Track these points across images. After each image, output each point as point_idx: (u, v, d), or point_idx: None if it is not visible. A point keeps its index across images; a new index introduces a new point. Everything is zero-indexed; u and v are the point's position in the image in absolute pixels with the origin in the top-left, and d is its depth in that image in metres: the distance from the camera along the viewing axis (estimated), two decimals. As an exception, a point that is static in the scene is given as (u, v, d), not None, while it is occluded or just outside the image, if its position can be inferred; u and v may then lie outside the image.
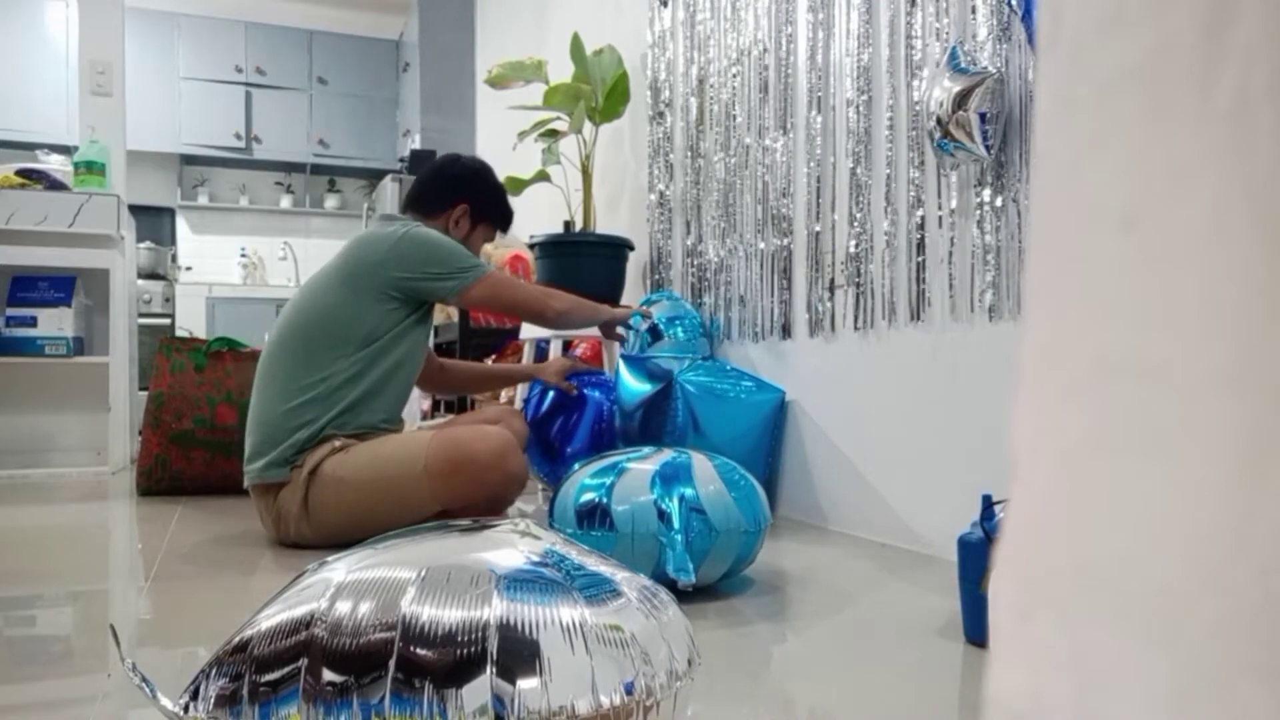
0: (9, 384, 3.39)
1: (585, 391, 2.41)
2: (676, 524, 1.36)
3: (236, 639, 0.69)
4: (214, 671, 0.68)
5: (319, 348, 1.88)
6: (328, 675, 0.63)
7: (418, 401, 3.57)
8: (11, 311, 3.34)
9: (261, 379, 1.93)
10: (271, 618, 0.69)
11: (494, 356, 3.39)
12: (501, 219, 2.16)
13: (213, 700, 0.66)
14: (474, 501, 1.84)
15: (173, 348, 2.86)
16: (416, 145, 5.67)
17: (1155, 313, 0.25)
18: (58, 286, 3.39)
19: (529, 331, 2.88)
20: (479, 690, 0.61)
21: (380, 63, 6.79)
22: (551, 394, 2.44)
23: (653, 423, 2.21)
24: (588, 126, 2.83)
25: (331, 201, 7.05)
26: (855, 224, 2.01)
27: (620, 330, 2.34)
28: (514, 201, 4.85)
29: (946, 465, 1.76)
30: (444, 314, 3.94)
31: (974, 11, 1.70)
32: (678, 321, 2.50)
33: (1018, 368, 0.30)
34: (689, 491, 1.40)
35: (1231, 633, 0.23)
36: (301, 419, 1.85)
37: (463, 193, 2.09)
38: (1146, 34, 0.25)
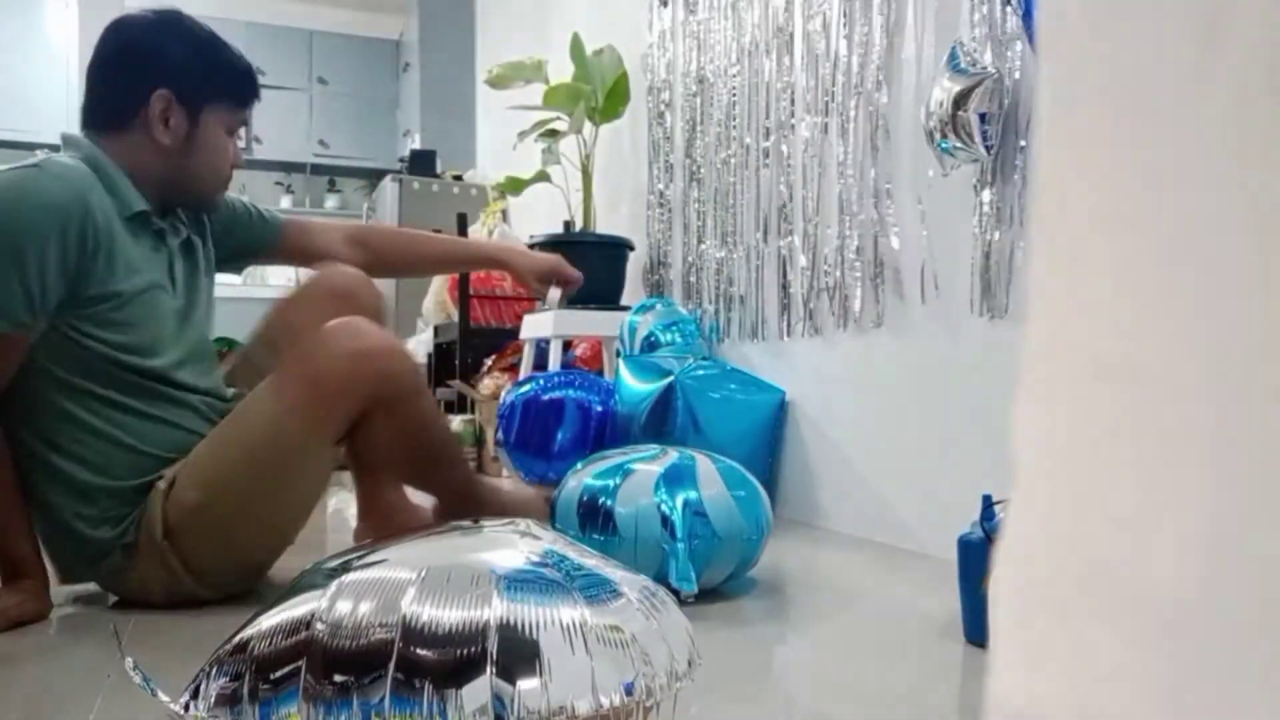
0: (9, 384, 3.38)
1: (565, 393, 2.41)
2: (679, 532, 1.36)
3: (236, 638, 0.70)
4: (214, 670, 0.68)
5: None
6: (327, 675, 0.63)
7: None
8: (11, 311, 3.34)
9: None
10: (271, 617, 0.69)
11: (494, 356, 3.39)
12: (236, 85, 1.41)
13: (213, 699, 0.66)
14: (360, 407, 1.34)
15: (173, 348, 2.86)
16: (416, 145, 5.67)
17: (1155, 314, 0.25)
18: (58, 286, 3.39)
19: (529, 331, 2.88)
20: (479, 690, 0.62)
21: (380, 63, 6.79)
22: (534, 391, 2.43)
23: (656, 422, 2.21)
24: (588, 126, 2.84)
25: (331, 202, 7.05)
26: (855, 223, 2.01)
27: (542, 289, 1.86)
28: (514, 202, 4.83)
29: (946, 465, 1.76)
30: (443, 313, 3.93)
31: (974, 11, 1.70)
32: (675, 327, 2.50)
33: (1018, 368, 0.30)
34: (693, 495, 1.40)
35: (1230, 631, 0.23)
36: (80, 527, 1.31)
37: (153, 70, 1.34)
38: (1146, 35, 0.25)
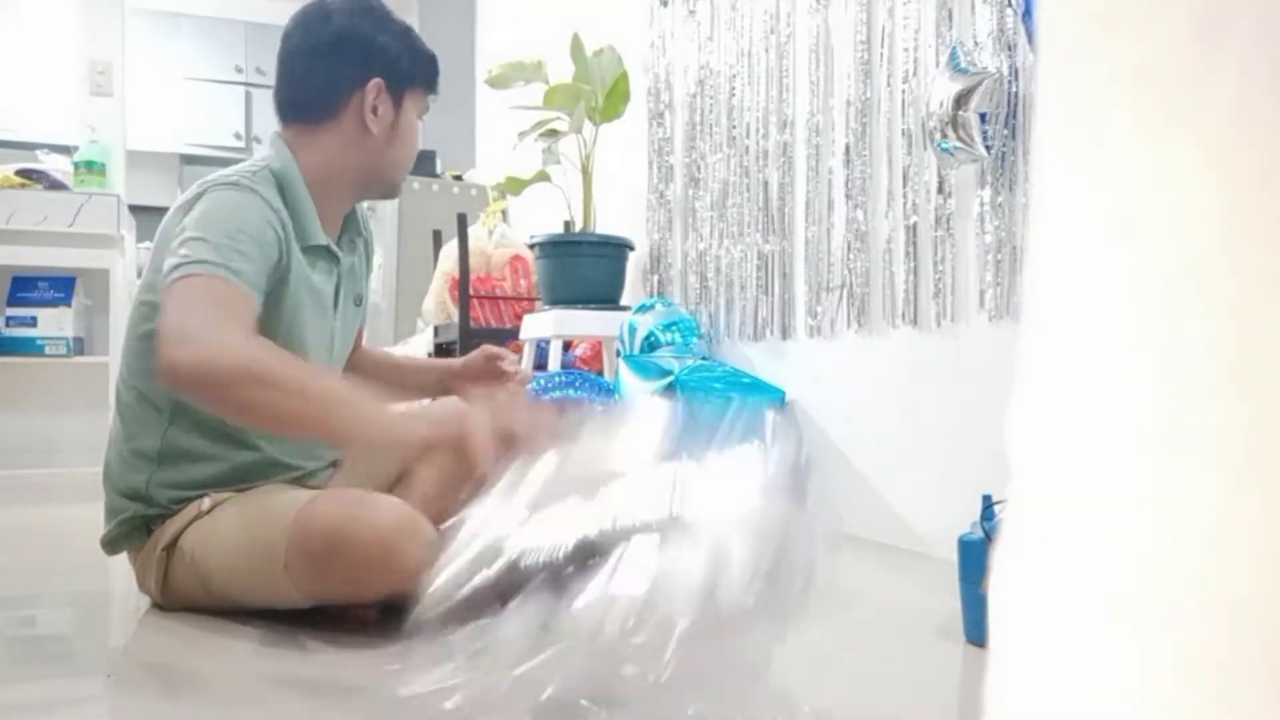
0: (9, 384, 3.39)
1: (565, 393, 2.41)
2: None
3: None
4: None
5: (129, 372, 1.33)
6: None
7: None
8: (11, 311, 3.34)
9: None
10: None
11: (494, 356, 3.38)
12: (432, 70, 1.42)
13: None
14: (352, 601, 1.24)
15: (173, 348, 2.85)
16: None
17: (1155, 313, 0.25)
18: (58, 286, 3.39)
19: (529, 331, 2.88)
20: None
21: (380, 63, 6.79)
22: (534, 392, 2.43)
23: (653, 423, 2.21)
24: (588, 126, 2.83)
25: (331, 201, 7.05)
26: (855, 224, 2.01)
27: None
28: (514, 201, 4.83)
29: (946, 465, 1.76)
30: (443, 313, 3.93)
31: (974, 11, 1.70)
32: (675, 327, 2.50)
33: (1017, 368, 0.30)
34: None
35: (1232, 630, 0.23)
36: (134, 477, 1.31)
37: (369, 59, 1.33)
38: (1146, 36, 0.25)
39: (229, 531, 1.25)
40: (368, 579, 1.16)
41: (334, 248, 1.38)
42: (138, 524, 1.31)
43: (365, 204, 1.54)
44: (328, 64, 1.32)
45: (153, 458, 1.30)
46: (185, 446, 1.29)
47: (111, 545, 1.35)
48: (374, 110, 1.33)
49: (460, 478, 1.29)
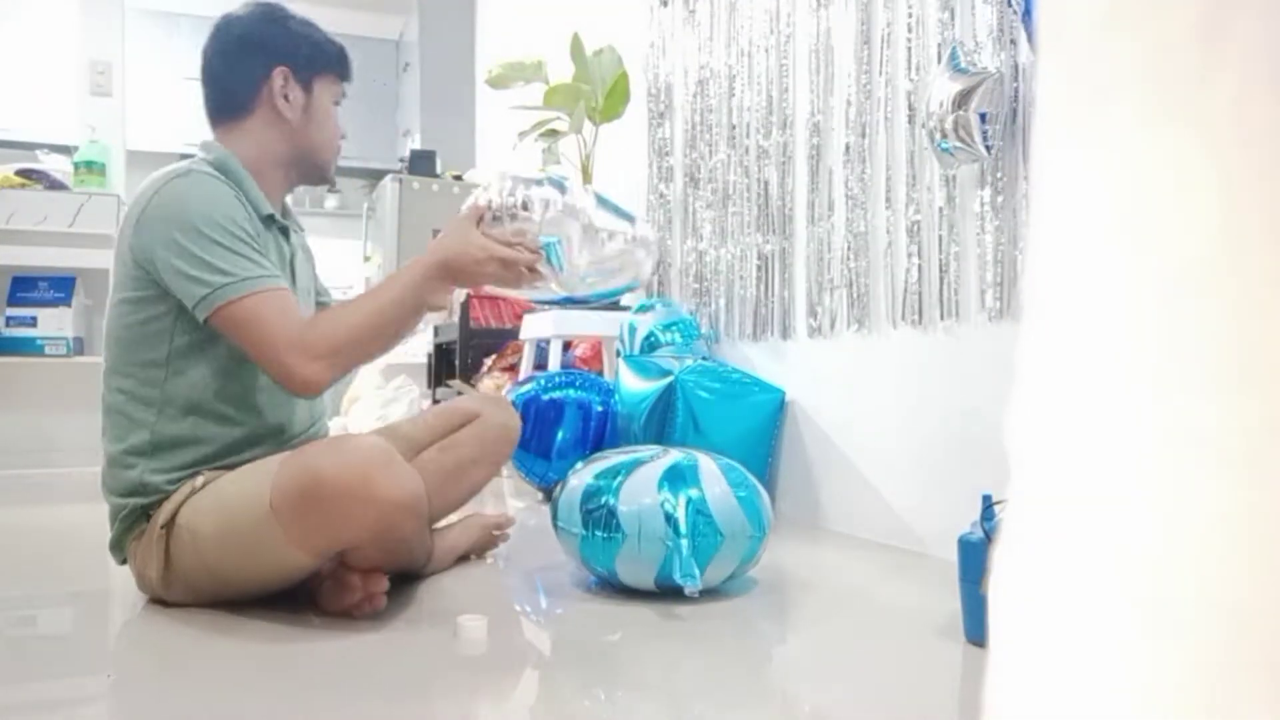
0: (9, 384, 3.39)
1: (565, 393, 2.41)
2: (683, 528, 1.36)
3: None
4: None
5: (112, 373, 1.41)
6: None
7: (416, 404, 3.56)
8: (11, 311, 3.34)
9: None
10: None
11: (494, 357, 3.39)
12: (339, 60, 1.54)
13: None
14: (346, 545, 1.27)
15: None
16: (416, 145, 5.66)
17: (1155, 313, 0.25)
18: (58, 286, 3.40)
19: (529, 331, 2.88)
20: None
21: (380, 63, 6.78)
22: (534, 391, 2.43)
23: (656, 422, 2.21)
24: (588, 126, 2.83)
25: (331, 201, 7.05)
26: (855, 224, 2.01)
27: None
28: (514, 201, 4.83)
29: (946, 465, 1.76)
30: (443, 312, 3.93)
31: (974, 11, 1.70)
32: (675, 327, 2.50)
33: (1017, 368, 0.30)
34: (695, 494, 1.40)
35: (1233, 630, 0.23)
36: (130, 475, 1.36)
37: (269, 52, 1.45)
38: (1146, 35, 0.25)
39: (220, 492, 1.31)
40: (352, 510, 1.21)
41: (281, 219, 1.49)
42: (138, 515, 1.35)
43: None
44: (237, 62, 1.46)
45: (145, 451, 1.35)
46: (175, 433, 1.36)
47: (118, 545, 1.38)
48: (285, 97, 1.46)
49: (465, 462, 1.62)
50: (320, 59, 1.51)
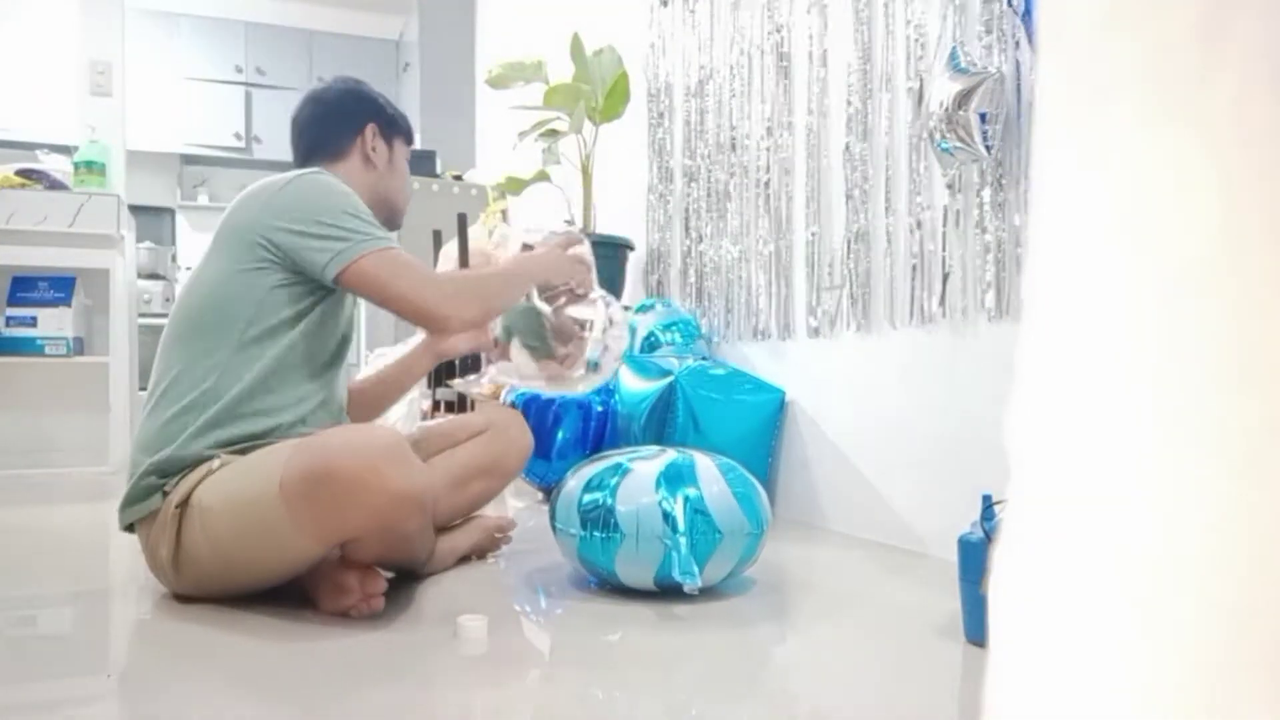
0: (9, 384, 3.38)
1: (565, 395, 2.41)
2: (681, 526, 1.36)
3: None
4: None
5: (197, 338, 1.45)
6: None
7: (415, 404, 3.56)
8: (11, 311, 3.34)
9: (149, 392, 1.49)
10: None
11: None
12: (408, 129, 1.81)
13: None
14: (351, 534, 1.29)
15: (173, 348, 2.85)
16: (416, 145, 5.66)
17: (1155, 313, 0.25)
18: (58, 286, 3.39)
19: (529, 331, 2.88)
20: None
21: (380, 63, 6.78)
22: (534, 391, 2.43)
23: (656, 422, 2.21)
24: (588, 126, 2.83)
25: (331, 201, 7.05)
26: (855, 224, 2.01)
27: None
28: (514, 201, 4.84)
29: (946, 465, 1.76)
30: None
31: (974, 11, 1.70)
32: (675, 327, 2.50)
33: (1017, 368, 0.30)
34: (693, 493, 1.40)
35: (1232, 630, 0.23)
36: (173, 432, 1.40)
37: (364, 111, 1.71)
38: (1146, 35, 0.25)
39: (234, 472, 1.35)
40: (360, 499, 1.24)
41: None
42: (154, 486, 1.38)
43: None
44: (335, 117, 1.71)
45: (200, 413, 1.41)
46: (251, 408, 1.43)
47: (128, 507, 1.40)
48: (373, 149, 1.71)
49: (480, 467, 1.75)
50: (399, 123, 1.77)
